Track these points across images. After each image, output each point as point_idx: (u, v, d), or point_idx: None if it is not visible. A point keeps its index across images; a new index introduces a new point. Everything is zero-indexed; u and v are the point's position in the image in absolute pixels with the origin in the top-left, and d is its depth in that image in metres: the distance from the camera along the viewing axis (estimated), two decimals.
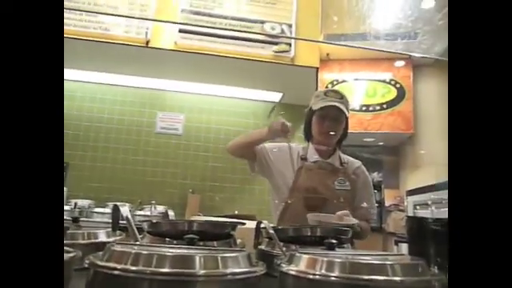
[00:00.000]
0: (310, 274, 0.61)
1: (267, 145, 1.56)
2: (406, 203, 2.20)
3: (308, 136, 1.58)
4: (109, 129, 3.45)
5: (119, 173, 3.36)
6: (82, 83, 3.44)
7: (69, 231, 0.83)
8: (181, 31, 2.70)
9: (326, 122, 1.49)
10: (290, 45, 2.81)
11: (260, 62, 2.79)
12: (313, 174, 1.48)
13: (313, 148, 1.55)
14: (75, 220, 1.02)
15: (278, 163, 1.53)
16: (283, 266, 0.65)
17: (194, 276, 0.52)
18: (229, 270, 0.55)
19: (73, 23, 2.63)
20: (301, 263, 0.64)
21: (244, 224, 0.96)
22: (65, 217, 1.21)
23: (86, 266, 0.55)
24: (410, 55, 4.73)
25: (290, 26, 2.86)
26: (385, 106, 5.14)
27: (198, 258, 0.54)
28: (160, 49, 2.71)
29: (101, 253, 0.58)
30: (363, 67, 5.26)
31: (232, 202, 3.44)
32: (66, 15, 2.63)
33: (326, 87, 4.90)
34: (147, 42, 2.67)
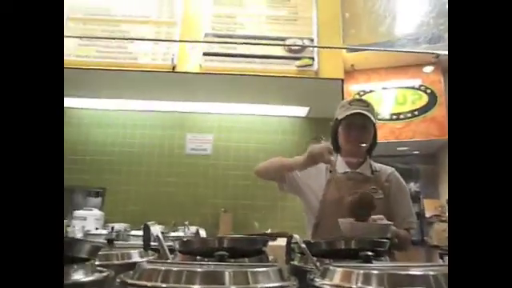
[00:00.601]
0: (345, 287, 0.58)
1: None
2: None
3: (336, 148, 1.54)
4: (141, 153, 3.56)
5: (153, 195, 3.44)
6: (115, 111, 3.60)
7: (103, 252, 0.84)
8: (205, 54, 2.78)
9: (353, 130, 1.45)
10: (312, 58, 2.82)
11: (284, 77, 2.81)
12: (343, 186, 1.43)
13: (341, 160, 1.51)
14: (110, 242, 1.04)
15: (306, 179, 1.51)
16: (317, 280, 0.63)
17: None
18: (259, 285, 0.54)
19: (105, 55, 2.78)
20: (335, 277, 0.61)
21: (275, 239, 0.94)
22: (100, 239, 1.23)
23: (117, 284, 0.55)
24: (438, 54, 4.56)
25: (311, 40, 2.87)
26: (416, 112, 4.97)
27: (227, 274, 0.53)
28: (186, 72, 2.79)
29: (132, 272, 0.58)
30: (390, 75, 5.15)
31: (264, 220, 3.41)
32: (98, 48, 2.79)
33: None
34: (173, 68, 2.76)
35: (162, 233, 0.91)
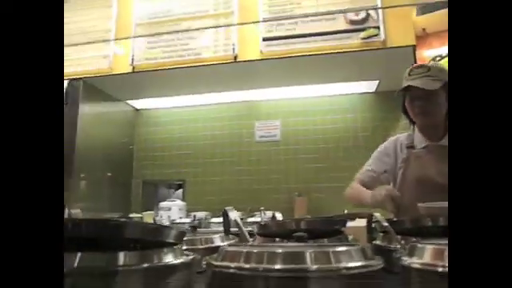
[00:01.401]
0: (438, 266, 0.53)
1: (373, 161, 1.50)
2: None
3: (410, 120, 1.44)
4: (213, 145, 3.71)
5: (228, 184, 3.57)
6: (186, 107, 3.80)
7: (188, 238, 0.90)
8: (265, 39, 2.77)
9: (417, 102, 1.33)
10: (378, 28, 2.63)
11: (349, 52, 2.67)
12: (423, 162, 1.32)
13: (419, 133, 1.39)
14: (193, 228, 1.10)
15: (384, 168, 1.44)
16: (404, 259, 0.59)
17: (306, 272, 0.50)
18: (342, 265, 0.52)
19: (171, 55, 2.93)
20: (425, 255, 0.57)
21: (353, 220, 0.91)
22: (185, 227, 1.31)
23: (204, 266, 0.58)
24: None
25: (375, 9, 2.68)
26: None
27: (308, 254, 0.52)
28: (248, 61, 2.81)
29: (215, 254, 0.61)
30: None
31: (340, 201, 3.33)
32: (164, 49, 2.95)
33: None
34: (235, 57, 2.81)
35: (241, 219, 0.94)
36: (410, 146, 1.39)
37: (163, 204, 3.29)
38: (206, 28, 2.83)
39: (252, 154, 3.62)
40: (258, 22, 2.73)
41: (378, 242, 0.88)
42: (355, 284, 0.51)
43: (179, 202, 3.33)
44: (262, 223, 0.86)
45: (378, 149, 1.54)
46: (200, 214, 3.04)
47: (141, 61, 2.96)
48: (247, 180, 3.56)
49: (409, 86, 1.30)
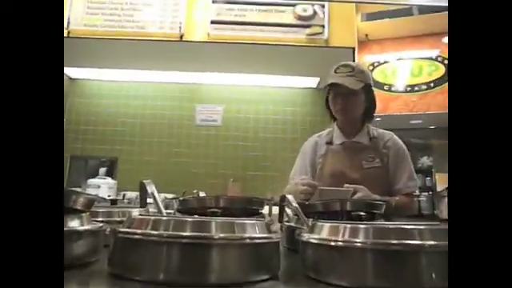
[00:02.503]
0: (332, 240, 0.59)
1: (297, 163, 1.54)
2: None
3: (332, 117, 1.47)
4: (152, 124, 3.60)
5: (163, 165, 3.50)
6: (126, 82, 3.62)
7: (105, 210, 0.88)
8: (213, 22, 2.73)
9: (339, 99, 1.37)
10: (323, 26, 2.74)
11: (293, 46, 2.75)
12: (339, 157, 1.40)
13: (338, 130, 1.45)
14: (113, 202, 1.07)
15: (306, 167, 1.49)
16: (304, 235, 0.64)
17: (211, 239, 0.52)
18: (246, 235, 0.55)
19: (112, 24, 2.76)
20: (323, 231, 0.62)
21: (273, 200, 0.95)
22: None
23: (108, 233, 0.57)
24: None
25: (322, 6, 2.77)
26: (432, 84, 4.82)
27: (214, 223, 0.54)
28: (194, 42, 2.76)
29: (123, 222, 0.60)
30: (406, 46, 4.97)
31: (273, 190, 3.44)
32: (106, 17, 2.77)
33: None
34: (181, 36, 2.74)
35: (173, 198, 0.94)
36: (329, 142, 1.44)
37: (92, 181, 3.13)
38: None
39: (191, 137, 3.58)
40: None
41: (291, 224, 0.94)
42: (253, 251, 0.55)
43: (109, 180, 3.19)
44: (181, 199, 0.87)
45: (298, 155, 1.57)
46: (131, 194, 2.94)
47: (78, 25, 2.76)
48: (184, 163, 3.52)
49: (334, 83, 1.34)
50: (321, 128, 3.76)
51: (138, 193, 2.79)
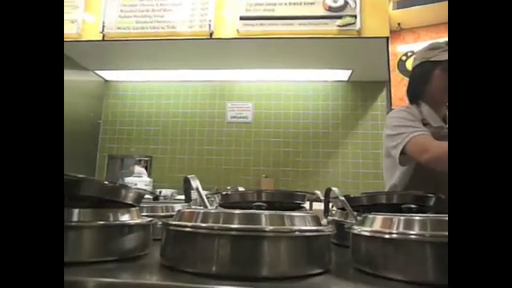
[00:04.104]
0: (385, 233, 0.56)
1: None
2: None
3: (420, 95, 1.31)
4: (183, 122, 3.66)
5: (196, 163, 3.56)
6: (157, 82, 3.70)
7: (149, 205, 0.89)
8: (242, 18, 2.73)
9: (447, 76, 1.21)
10: (355, 16, 2.66)
11: (324, 38, 2.69)
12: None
13: (431, 111, 1.27)
14: (155, 198, 1.09)
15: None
16: (355, 228, 0.62)
17: (261, 231, 0.52)
18: (296, 227, 0.54)
19: (144, 26, 2.82)
20: (374, 224, 0.60)
21: (314, 194, 0.94)
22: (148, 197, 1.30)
23: (159, 226, 0.58)
24: None
25: None
26: None
27: (264, 216, 0.54)
28: (223, 39, 2.77)
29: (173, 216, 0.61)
30: (442, 33, 4.74)
31: (306, 185, 3.41)
32: (137, 19, 2.84)
33: (400, 60, 4.54)
34: (211, 34, 2.75)
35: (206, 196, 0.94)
36: (426, 124, 1.25)
37: (128, 179, 3.22)
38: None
39: (222, 135, 3.61)
40: None
41: (335, 218, 0.91)
42: (305, 244, 0.53)
43: (145, 178, 3.27)
44: (224, 193, 0.87)
45: (397, 123, 1.27)
46: (166, 191, 3.01)
47: (112, 29, 2.84)
48: (216, 160, 3.56)
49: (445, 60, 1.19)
50: (353, 123, 3.69)
51: (173, 190, 2.85)
